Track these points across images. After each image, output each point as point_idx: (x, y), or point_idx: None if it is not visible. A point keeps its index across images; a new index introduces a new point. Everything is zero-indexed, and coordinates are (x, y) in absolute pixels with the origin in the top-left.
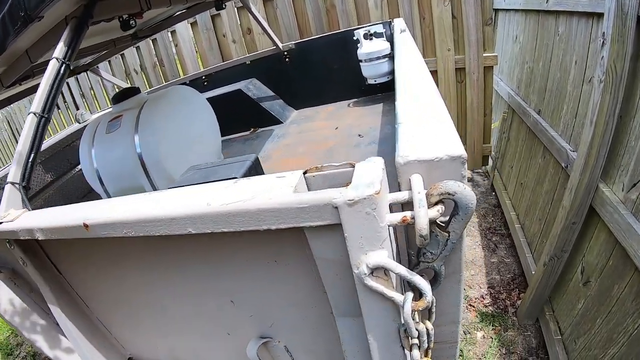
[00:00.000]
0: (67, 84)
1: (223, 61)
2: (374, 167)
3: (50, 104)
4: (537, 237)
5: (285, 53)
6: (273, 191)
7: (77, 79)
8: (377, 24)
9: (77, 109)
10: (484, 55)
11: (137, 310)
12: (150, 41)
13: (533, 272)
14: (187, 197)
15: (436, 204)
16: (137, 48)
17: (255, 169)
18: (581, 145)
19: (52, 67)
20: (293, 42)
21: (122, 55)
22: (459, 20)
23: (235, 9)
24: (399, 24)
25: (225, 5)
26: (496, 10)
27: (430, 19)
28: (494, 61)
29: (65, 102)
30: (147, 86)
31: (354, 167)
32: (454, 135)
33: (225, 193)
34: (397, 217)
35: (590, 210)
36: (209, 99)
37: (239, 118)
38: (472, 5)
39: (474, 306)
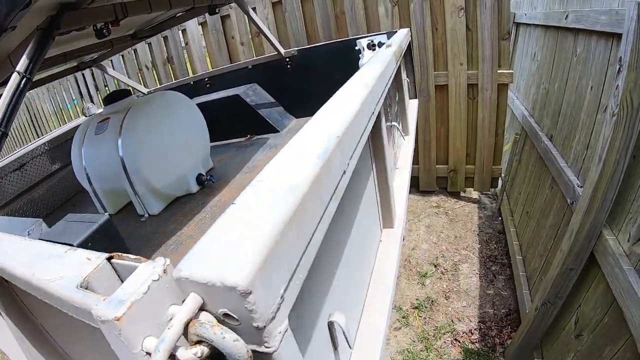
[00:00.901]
0: (83, 76)
1: (231, 62)
2: (147, 273)
3: (8, 118)
4: (536, 273)
5: (287, 59)
6: (62, 280)
7: (92, 72)
8: (381, 33)
9: (92, 102)
10: (499, 71)
11: None
12: (162, 38)
13: (527, 311)
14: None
15: (199, 343)
16: (149, 44)
17: (105, 232)
18: (587, 184)
19: (12, 81)
20: (295, 49)
21: (135, 51)
22: (473, 32)
23: None
24: (401, 35)
25: (218, 10)
26: (518, 25)
27: (443, 30)
28: (509, 79)
29: (81, 95)
30: (157, 83)
31: (140, 264)
32: (251, 254)
33: (36, 267)
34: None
35: (591, 256)
36: (207, 103)
37: (236, 124)
38: (489, 17)
39: (459, 341)
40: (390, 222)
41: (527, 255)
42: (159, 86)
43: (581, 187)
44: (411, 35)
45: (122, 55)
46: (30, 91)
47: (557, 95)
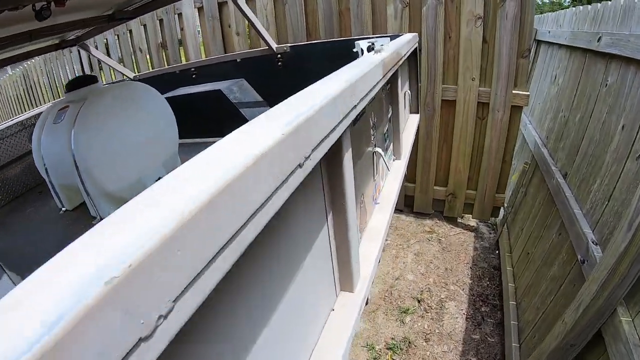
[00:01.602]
0: (78, 52)
1: (225, 53)
2: None
3: None
4: (529, 327)
5: (279, 55)
6: None
7: (107, 49)
8: (385, 36)
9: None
10: (514, 92)
11: None
12: (158, 21)
13: None
14: None
15: None
16: (144, 26)
17: None
18: (609, 253)
19: None
20: (288, 45)
21: (130, 32)
22: (490, 45)
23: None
24: (402, 40)
25: None
26: (539, 42)
27: (456, 39)
28: (524, 101)
29: (79, 71)
30: (150, 67)
31: None
32: None
33: None
34: None
35: (597, 333)
36: (187, 96)
37: (215, 121)
38: (509, 31)
39: None
40: (350, 284)
41: (522, 303)
42: (150, 70)
43: (596, 244)
44: (420, 42)
45: (118, 36)
46: (27, 62)
47: (578, 128)
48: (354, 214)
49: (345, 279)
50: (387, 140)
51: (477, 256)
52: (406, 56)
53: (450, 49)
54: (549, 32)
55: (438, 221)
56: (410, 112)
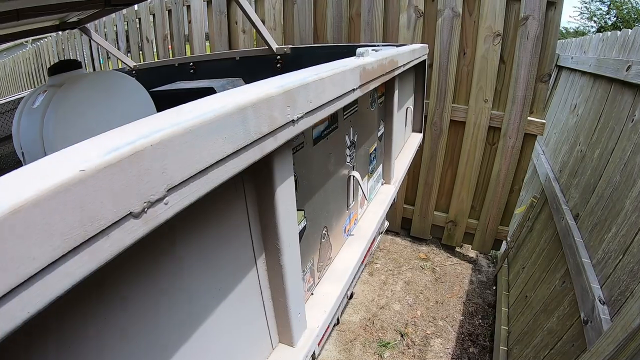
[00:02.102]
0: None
1: (230, 50)
2: None
3: None
4: None
5: (278, 57)
6: None
7: (117, 36)
8: (390, 45)
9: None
10: (529, 118)
11: None
12: (167, 11)
13: None
14: None
15: None
16: (153, 16)
17: None
18: (618, 324)
19: None
20: (289, 46)
21: (139, 21)
22: (507, 66)
23: None
24: (405, 50)
25: None
26: (560, 68)
27: (472, 56)
28: (539, 129)
29: (89, 55)
30: (155, 58)
31: None
32: None
33: None
34: None
35: None
36: (177, 91)
37: None
38: (529, 51)
39: None
40: (289, 337)
41: (513, 351)
42: (151, 62)
43: (604, 303)
44: (432, 55)
45: (127, 23)
46: (41, 41)
47: (596, 165)
48: (293, 256)
49: (284, 331)
50: (374, 162)
51: (472, 290)
52: (406, 66)
53: (464, 66)
54: (572, 58)
55: (435, 248)
56: (413, 131)
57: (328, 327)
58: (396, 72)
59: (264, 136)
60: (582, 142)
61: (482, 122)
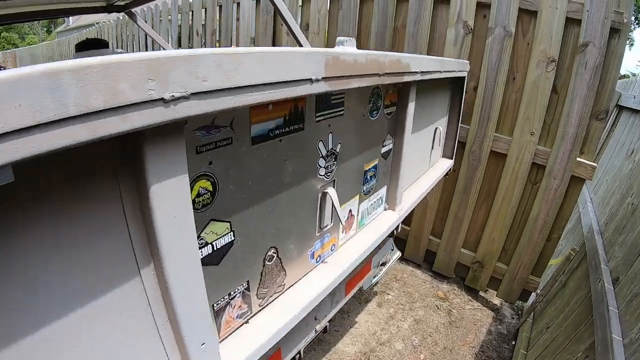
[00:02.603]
0: None
1: None
2: None
3: None
4: None
5: None
6: None
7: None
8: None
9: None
10: (579, 159)
11: None
12: (218, 7)
13: None
14: None
15: None
16: (205, 10)
17: None
18: None
19: None
20: None
21: (192, 13)
22: (560, 97)
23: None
24: (441, 61)
25: None
26: (620, 108)
27: (521, 82)
28: (588, 173)
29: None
30: None
31: None
32: None
33: None
34: None
35: None
36: None
37: None
38: (586, 83)
39: None
40: None
41: None
42: None
43: None
44: (478, 77)
45: (181, 15)
46: (104, 21)
47: None
48: (185, 272)
49: None
50: (372, 181)
51: (488, 342)
52: (426, 76)
53: (512, 93)
54: (635, 97)
55: (456, 288)
56: (443, 155)
57: None
58: (406, 78)
59: (98, 112)
60: (635, 193)
61: (525, 157)
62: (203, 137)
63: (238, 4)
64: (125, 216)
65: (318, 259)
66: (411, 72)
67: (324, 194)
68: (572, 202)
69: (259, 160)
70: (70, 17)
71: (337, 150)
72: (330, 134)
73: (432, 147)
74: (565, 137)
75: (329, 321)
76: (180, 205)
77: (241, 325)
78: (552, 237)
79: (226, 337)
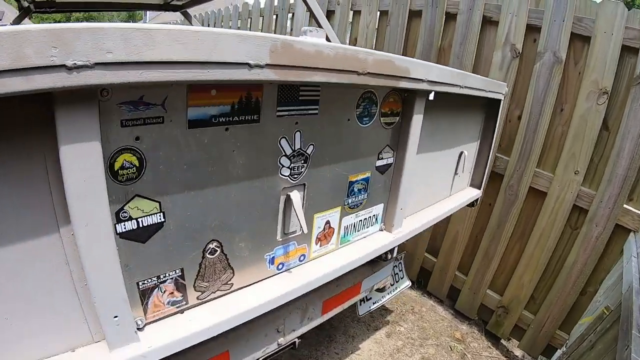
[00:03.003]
0: None
1: None
2: None
3: None
4: None
5: None
6: None
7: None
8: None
9: None
10: (626, 206)
11: None
12: (274, 16)
13: None
14: None
15: None
16: (262, 18)
17: None
18: None
19: None
20: None
21: (250, 20)
22: (611, 134)
23: (351, 12)
24: (464, 76)
25: None
26: None
27: (569, 114)
28: (636, 224)
29: None
30: None
31: None
32: None
33: None
34: None
35: None
36: None
37: None
38: None
39: None
40: (104, 336)
41: None
42: None
43: None
44: (523, 105)
45: (240, 20)
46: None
47: None
48: (98, 243)
49: (99, 327)
50: (360, 195)
51: None
52: (436, 86)
53: (558, 125)
54: None
55: (476, 332)
56: (471, 184)
57: None
58: (404, 85)
59: (5, 71)
60: None
61: (566, 197)
62: (129, 112)
63: (293, 14)
64: (47, 173)
65: (280, 267)
66: (412, 78)
67: (288, 197)
68: (614, 254)
69: (198, 146)
70: (148, 14)
71: (308, 152)
72: (298, 133)
73: (456, 173)
74: (612, 179)
75: (300, 338)
76: (90, 170)
77: (175, 314)
78: (588, 291)
79: (156, 321)
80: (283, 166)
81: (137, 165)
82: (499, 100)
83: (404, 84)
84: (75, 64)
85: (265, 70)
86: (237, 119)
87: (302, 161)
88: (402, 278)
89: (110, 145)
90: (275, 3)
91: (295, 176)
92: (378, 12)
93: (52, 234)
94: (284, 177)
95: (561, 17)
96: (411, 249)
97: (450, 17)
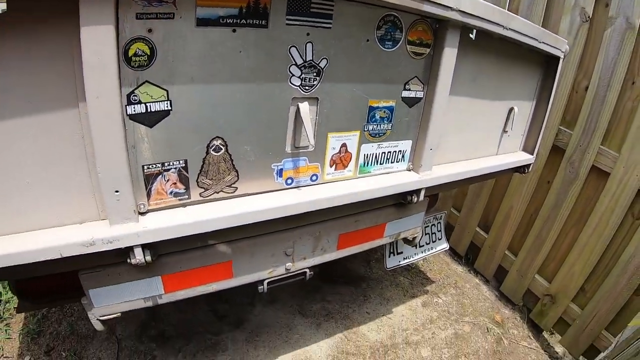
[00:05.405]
0: None
1: None
2: None
3: None
4: None
5: None
6: None
7: None
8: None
9: None
10: None
11: None
12: None
13: None
14: None
15: None
16: None
17: None
18: None
19: None
20: None
21: None
22: None
23: None
24: (511, 17)
25: None
26: None
27: None
28: None
29: None
30: None
31: None
32: None
33: None
34: None
35: None
36: None
37: None
38: None
39: None
40: (105, 209)
41: None
42: None
43: None
44: (590, 75)
45: None
46: None
47: None
48: (104, 122)
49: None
50: (384, 123)
51: None
52: (475, 20)
53: (628, 100)
54: None
55: (518, 318)
56: (523, 149)
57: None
58: (428, 8)
59: None
60: None
61: (631, 181)
62: (144, 6)
63: None
64: (72, 52)
65: (290, 181)
66: (439, 4)
67: (299, 108)
68: None
69: (206, 44)
70: None
71: (321, 65)
72: (310, 44)
73: (505, 131)
74: None
75: (311, 270)
76: (105, 50)
77: (177, 207)
78: None
79: (158, 210)
80: (293, 75)
81: (149, 54)
82: (558, 58)
83: (428, 8)
84: None
85: None
86: (244, 22)
87: (315, 74)
88: (439, 239)
89: (126, 34)
90: None
91: (307, 87)
92: None
93: (71, 109)
94: (294, 86)
95: None
96: (463, 220)
97: None
